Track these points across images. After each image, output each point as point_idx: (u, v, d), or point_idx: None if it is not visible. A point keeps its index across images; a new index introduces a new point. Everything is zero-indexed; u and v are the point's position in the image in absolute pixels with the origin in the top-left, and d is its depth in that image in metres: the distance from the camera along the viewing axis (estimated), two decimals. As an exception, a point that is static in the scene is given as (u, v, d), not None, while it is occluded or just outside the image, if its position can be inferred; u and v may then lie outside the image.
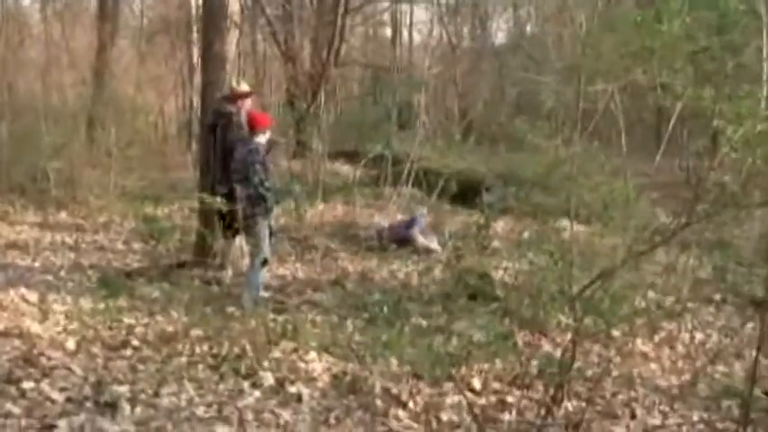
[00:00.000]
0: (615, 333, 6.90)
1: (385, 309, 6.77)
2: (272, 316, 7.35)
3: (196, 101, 23.39)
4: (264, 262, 8.07)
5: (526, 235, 9.88)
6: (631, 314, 5.60)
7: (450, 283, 8.42)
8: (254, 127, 8.06)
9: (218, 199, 7.24)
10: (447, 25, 19.76)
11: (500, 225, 12.96)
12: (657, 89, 5.33)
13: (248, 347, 6.15)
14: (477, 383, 5.89)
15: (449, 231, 11.12)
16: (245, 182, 7.88)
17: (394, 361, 6.14)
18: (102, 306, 7.39)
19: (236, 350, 6.16)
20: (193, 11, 23.99)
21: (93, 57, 18.74)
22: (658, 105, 19.80)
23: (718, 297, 8.72)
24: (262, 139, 8.11)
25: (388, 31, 32.91)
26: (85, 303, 7.61)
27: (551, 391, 5.61)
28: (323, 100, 17.16)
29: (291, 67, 20.60)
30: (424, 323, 7.26)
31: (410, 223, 11.00)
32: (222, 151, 8.37)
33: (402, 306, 7.68)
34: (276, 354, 6.18)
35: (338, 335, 6.77)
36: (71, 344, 6.36)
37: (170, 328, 6.78)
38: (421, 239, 10.64)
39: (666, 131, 6.53)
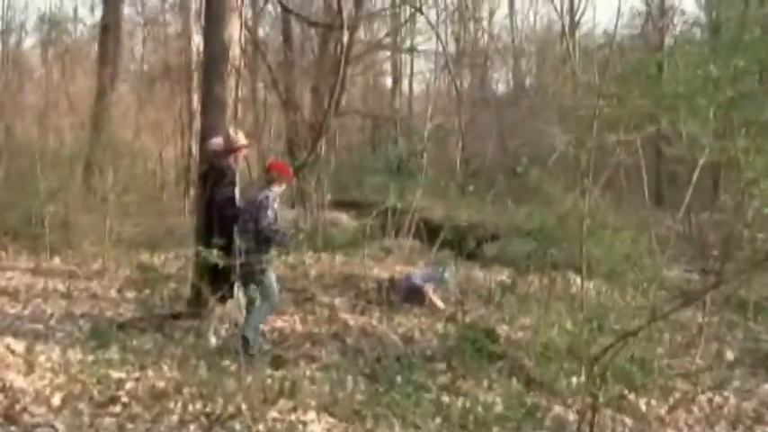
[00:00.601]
0: (628, 395, 6.60)
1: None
2: (269, 371, 7.02)
3: (195, 147, 23.30)
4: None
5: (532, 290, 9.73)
6: (653, 378, 5.28)
7: (454, 339, 8.12)
8: (274, 176, 7.86)
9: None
10: (453, 74, 19.59)
11: (500, 277, 12.71)
12: (680, 139, 5.12)
13: (243, 406, 5.80)
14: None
15: (453, 282, 10.81)
16: (248, 233, 7.63)
17: (396, 422, 5.77)
18: (91, 359, 7.09)
19: (231, 409, 5.81)
20: (194, 57, 23.94)
21: (92, 101, 18.53)
22: (660, 155, 19.68)
23: (731, 357, 8.39)
24: (278, 189, 7.88)
25: (389, 81, 32.98)
26: (74, 355, 7.26)
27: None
28: (323, 149, 16.93)
29: (292, 116, 20.43)
30: (428, 382, 6.90)
31: (429, 277, 10.58)
32: (215, 203, 8.03)
33: (404, 362, 7.39)
34: (273, 413, 5.82)
35: (339, 394, 6.42)
36: (57, 399, 6.01)
37: (161, 384, 6.42)
38: (432, 293, 10.29)
39: (690, 182, 6.25)
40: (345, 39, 14.74)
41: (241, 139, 8.22)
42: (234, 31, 8.76)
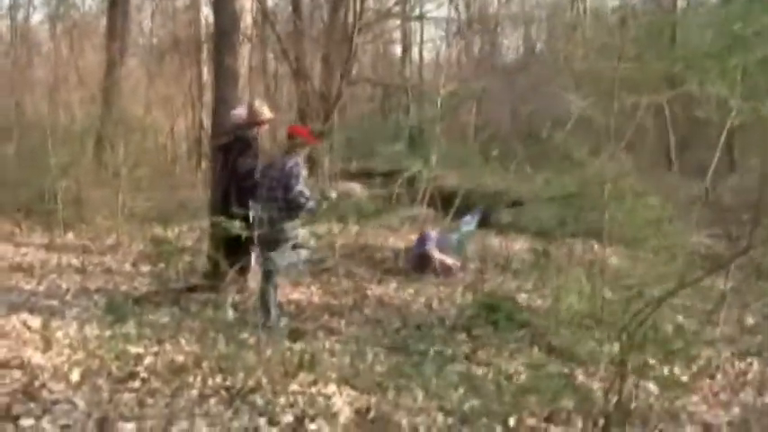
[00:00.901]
0: (651, 361, 6.48)
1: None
2: (287, 344, 6.93)
3: (206, 120, 23.17)
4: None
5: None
6: (685, 346, 5.15)
7: (473, 308, 8.02)
8: (297, 142, 7.67)
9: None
10: (467, 38, 19.38)
11: (517, 245, 12.59)
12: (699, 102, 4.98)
13: (264, 380, 5.71)
14: (511, 420, 5.38)
15: (467, 248, 10.69)
16: (275, 201, 7.46)
17: (419, 393, 5.67)
18: (108, 334, 7.01)
19: (251, 383, 5.72)
20: (203, 29, 23.75)
21: (101, 75, 18.38)
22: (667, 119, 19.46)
23: (752, 323, 8.26)
24: (301, 154, 7.75)
25: (398, 49, 32.71)
26: (91, 331, 7.18)
27: (592, 428, 5.15)
28: (335, 118, 16.78)
29: (302, 86, 20.23)
30: (450, 352, 6.80)
31: (422, 241, 10.49)
32: (237, 175, 8.06)
33: (425, 332, 7.29)
34: (294, 387, 5.73)
35: (359, 366, 6.33)
36: (75, 375, 5.93)
37: (180, 358, 6.34)
38: (437, 255, 10.18)
39: (713, 146, 6.13)
40: (357, 6, 14.58)
41: (266, 112, 8.17)
42: (245, 1, 8.60)
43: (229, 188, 8.07)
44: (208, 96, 24.00)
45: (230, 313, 7.72)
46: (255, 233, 7.12)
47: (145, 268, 10.58)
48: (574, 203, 7.35)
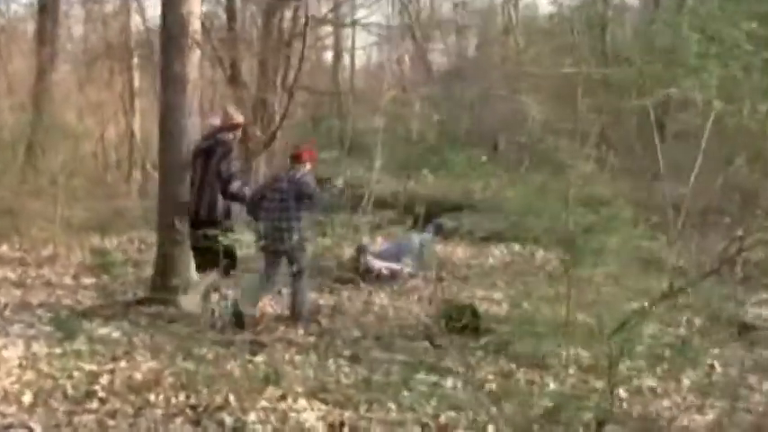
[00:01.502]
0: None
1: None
2: (247, 357, 6.69)
3: (137, 127, 22.65)
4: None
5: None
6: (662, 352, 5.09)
7: (433, 317, 7.89)
8: (300, 159, 8.11)
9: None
10: (418, 43, 19.24)
11: (458, 252, 12.52)
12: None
13: (231, 397, 5.47)
14: (490, 430, 5.23)
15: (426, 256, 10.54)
16: (288, 211, 7.93)
17: (392, 406, 5.50)
18: (58, 351, 6.69)
19: (218, 400, 5.48)
20: (134, 36, 23.24)
21: (32, 81, 17.74)
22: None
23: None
24: (307, 167, 8.16)
25: (329, 56, 32.55)
26: (40, 348, 6.82)
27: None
28: (274, 124, 16.47)
29: (238, 92, 19.89)
30: (414, 362, 6.64)
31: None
32: (222, 179, 8.12)
33: (385, 342, 7.14)
34: (263, 402, 5.50)
35: (324, 378, 6.14)
36: (27, 397, 5.61)
37: (138, 376, 6.05)
38: (377, 264, 10.02)
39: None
40: (307, 11, 14.38)
41: (239, 117, 8.59)
42: (194, 5, 8.32)
43: (208, 191, 8.13)
44: (139, 104, 23.55)
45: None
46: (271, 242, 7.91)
47: (87, 280, 10.19)
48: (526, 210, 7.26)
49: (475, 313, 7.47)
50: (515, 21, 27.50)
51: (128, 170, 23.34)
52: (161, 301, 8.35)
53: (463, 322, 7.28)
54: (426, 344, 7.16)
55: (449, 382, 6.15)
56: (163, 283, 8.43)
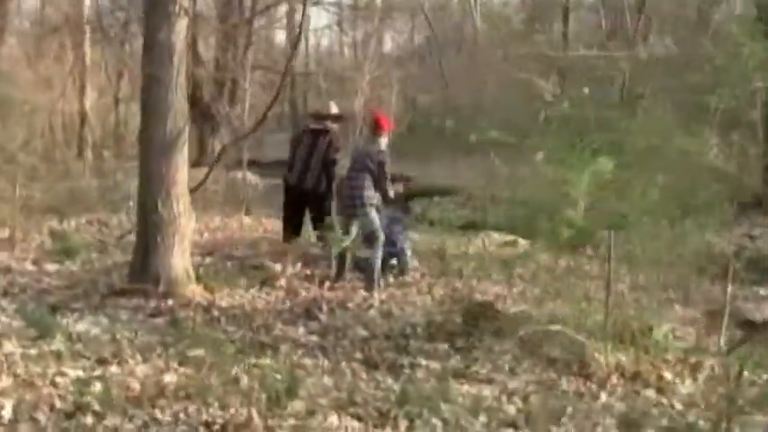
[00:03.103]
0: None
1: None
2: (252, 359, 5.83)
3: (88, 105, 21.36)
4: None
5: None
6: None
7: (442, 312, 7.12)
8: (381, 129, 8.50)
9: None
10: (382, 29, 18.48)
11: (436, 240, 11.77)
12: None
13: (253, 412, 4.60)
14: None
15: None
16: (360, 179, 8.36)
17: (437, 422, 4.71)
18: (34, 353, 5.74)
19: (236, 414, 4.61)
20: (86, 10, 21.97)
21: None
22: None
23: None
24: (386, 140, 8.54)
25: (283, 36, 31.58)
26: (13, 348, 5.82)
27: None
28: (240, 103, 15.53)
29: (196, 70, 18.91)
30: (437, 367, 5.85)
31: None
32: (327, 159, 8.91)
33: (399, 343, 6.32)
34: (290, 420, 4.64)
35: (347, 387, 5.31)
36: (7, 411, 4.67)
37: (135, 384, 5.13)
38: None
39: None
40: None
41: (335, 109, 9.50)
42: (182, -33, 7.36)
43: (316, 166, 8.86)
44: (92, 80, 22.26)
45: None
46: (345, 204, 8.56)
47: (50, 267, 9.15)
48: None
49: (495, 312, 6.69)
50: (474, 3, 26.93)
51: (78, 149, 22.00)
52: (141, 292, 7.42)
53: (484, 322, 6.49)
54: (446, 346, 6.35)
55: (486, 392, 5.37)
56: (143, 273, 7.51)
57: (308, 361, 5.95)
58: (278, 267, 8.98)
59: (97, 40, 22.04)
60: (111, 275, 8.42)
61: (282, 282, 8.35)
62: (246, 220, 12.84)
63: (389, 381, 5.56)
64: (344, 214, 8.65)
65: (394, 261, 9.05)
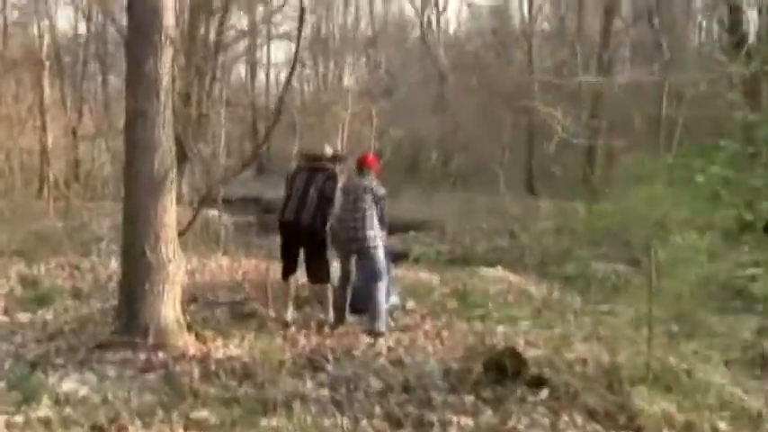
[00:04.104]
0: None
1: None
2: (264, 421, 5.21)
3: (50, 143, 20.45)
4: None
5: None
6: None
7: (457, 360, 6.55)
8: (369, 168, 8.45)
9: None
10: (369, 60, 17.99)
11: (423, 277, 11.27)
12: None
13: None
14: None
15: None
16: (358, 212, 8.09)
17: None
18: (20, 420, 5.05)
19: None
20: (45, 48, 21.23)
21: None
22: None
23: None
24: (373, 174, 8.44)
25: (243, 71, 31.07)
26: (-4, 416, 5.15)
27: None
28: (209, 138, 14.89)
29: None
30: (469, 422, 5.26)
31: None
32: (324, 197, 8.21)
33: (421, 396, 5.74)
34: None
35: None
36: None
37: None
38: None
39: None
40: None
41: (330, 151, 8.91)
42: (166, -3, 6.78)
43: (312, 202, 8.18)
44: (51, 119, 21.37)
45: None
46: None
47: (22, 317, 8.48)
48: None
49: (519, 358, 6.12)
50: (437, 36, 26.66)
51: (39, 188, 21.07)
52: (128, 344, 6.74)
53: (510, 370, 5.92)
54: (472, 398, 5.75)
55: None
56: (130, 323, 6.84)
57: (325, 421, 5.33)
58: (270, 313, 8.40)
59: (56, 77, 21.25)
60: (93, 326, 7.75)
61: (279, 329, 7.72)
62: (225, 260, 12.15)
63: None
64: (345, 252, 8.29)
65: (394, 300, 8.54)
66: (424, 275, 11.46)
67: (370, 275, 8.04)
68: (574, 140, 14.28)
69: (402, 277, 10.51)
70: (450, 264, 12.80)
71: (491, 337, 7.25)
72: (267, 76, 30.80)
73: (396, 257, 11.60)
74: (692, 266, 5.63)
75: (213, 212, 18.30)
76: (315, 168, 8.42)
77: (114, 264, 11.55)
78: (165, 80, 6.84)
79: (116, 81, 21.91)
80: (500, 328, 7.61)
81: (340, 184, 8.36)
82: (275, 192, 24.86)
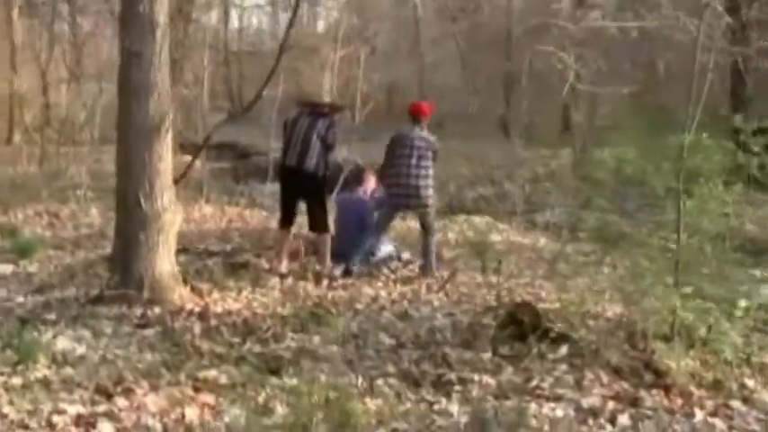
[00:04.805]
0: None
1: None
2: (275, 380, 4.91)
3: (19, 84, 19.69)
4: None
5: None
6: None
7: (465, 313, 6.30)
8: (424, 113, 8.16)
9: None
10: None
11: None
12: None
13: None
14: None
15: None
16: (420, 168, 7.89)
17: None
18: (18, 382, 4.70)
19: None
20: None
21: None
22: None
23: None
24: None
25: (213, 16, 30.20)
26: (-11, 376, 4.79)
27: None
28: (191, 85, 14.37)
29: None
30: (492, 382, 5.01)
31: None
32: (326, 143, 7.87)
33: (435, 353, 5.48)
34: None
35: (403, 411, 4.45)
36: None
37: (151, 421, 4.18)
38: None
39: None
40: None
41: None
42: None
43: (314, 148, 7.81)
44: (21, 58, 20.62)
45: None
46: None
47: (4, 268, 8.09)
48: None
49: (535, 312, 5.85)
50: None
51: (8, 133, 20.43)
52: (122, 298, 6.40)
53: (529, 325, 5.66)
54: (489, 354, 5.50)
55: (560, 412, 4.55)
56: (124, 277, 6.48)
57: (338, 380, 5.02)
58: (263, 263, 8.09)
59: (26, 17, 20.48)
60: (82, 278, 7.39)
61: (275, 281, 7.41)
62: (208, 209, 11.79)
63: (444, 402, 4.72)
64: (398, 207, 8.29)
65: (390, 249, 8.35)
66: (414, 223, 11.18)
67: (425, 229, 8.09)
68: (584, 87, 13.95)
69: (391, 226, 10.21)
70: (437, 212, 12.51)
71: (498, 289, 6.98)
72: (240, 18, 30.02)
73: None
74: (718, 219, 5.38)
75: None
76: (316, 114, 8.08)
77: (95, 211, 11.18)
78: (162, 19, 6.40)
79: (87, 23, 21.07)
80: (506, 282, 7.35)
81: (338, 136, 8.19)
82: (250, 137, 24.45)
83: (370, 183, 8.87)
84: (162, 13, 6.38)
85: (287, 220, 8.08)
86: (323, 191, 7.93)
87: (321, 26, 31.99)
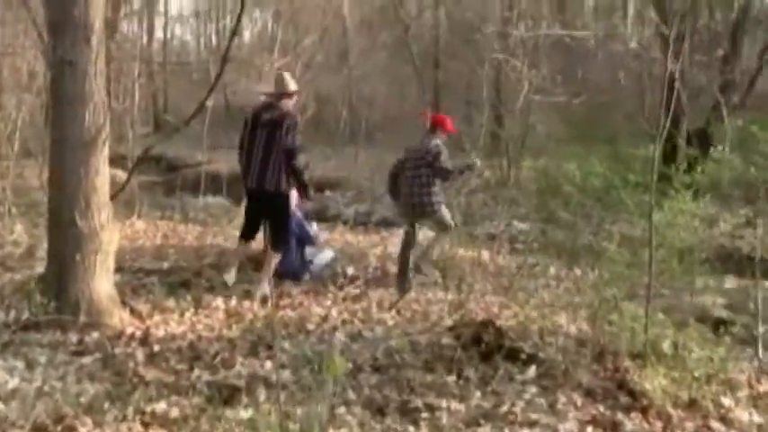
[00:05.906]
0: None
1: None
2: (229, 412, 4.52)
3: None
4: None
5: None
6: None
7: (420, 333, 6.00)
8: (441, 127, 8.26)
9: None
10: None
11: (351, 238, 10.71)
12: None
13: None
14: None
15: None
16: (420, 178, 8.05)
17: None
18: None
19: None
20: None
21: None
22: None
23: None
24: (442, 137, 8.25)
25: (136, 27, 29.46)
26: None
27: None
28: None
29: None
30: (461, 408, 4.71)
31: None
32: (290, 152, 7.34)
33: (394, 376, 5.17)
34: None
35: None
36: None
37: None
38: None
39: None
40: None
41: (293, 85, 7.79)
42: None
43: (275, 164, 7.36)
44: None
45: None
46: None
47: None
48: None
49: (497, 330, 5.57)
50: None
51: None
52: (56, 324, 5.91)
53: (491, 345, 5.38)
54: (454, 378, 5.18)
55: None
56: (59, 300, 5.99)
57: (297, 410, 4.65)
58: (203, 283, 7.64)
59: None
60: (9, 301, 6.81)
61: (219, 301, 6.99)
62: (140, 224, 11.23)
63: (412, 431, 4.38)
64: (412, 217, 8.25)
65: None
66: (352, 237, 10.89)
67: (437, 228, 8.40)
68: (540, 98, 13.85)
69: (329, 240, 9.90)
70: (375, 225, 12.25)
71: (451, 306, 6.70)
72: (165, 29, 29.28)
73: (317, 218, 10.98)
74: (686, 231, 5.20)
75: (118, 173, 17.21)
76: (273, 123, 7.50)
77: (20, 228, 10.53)
78: (97, 25, 5.95)
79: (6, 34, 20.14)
80: (457, 296, 7.07)
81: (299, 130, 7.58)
82: (176, 150, 23.81)
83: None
84: (97, 19, 5.93)
85: (248, 233, 7.76)
86: (286, 209, 7.57)
87: (247, 37, 31.58)
